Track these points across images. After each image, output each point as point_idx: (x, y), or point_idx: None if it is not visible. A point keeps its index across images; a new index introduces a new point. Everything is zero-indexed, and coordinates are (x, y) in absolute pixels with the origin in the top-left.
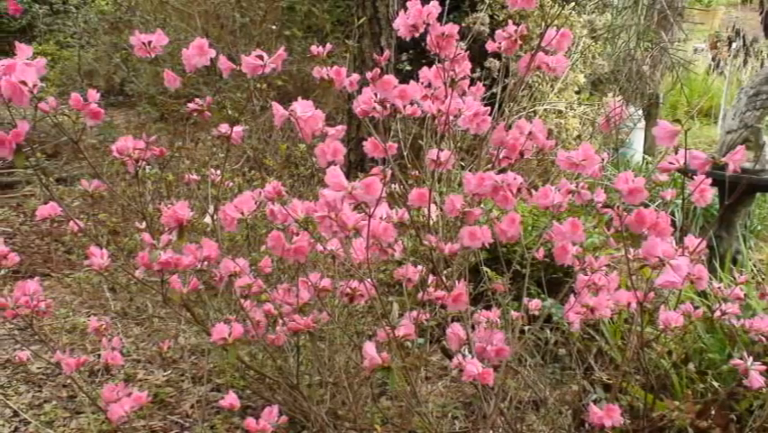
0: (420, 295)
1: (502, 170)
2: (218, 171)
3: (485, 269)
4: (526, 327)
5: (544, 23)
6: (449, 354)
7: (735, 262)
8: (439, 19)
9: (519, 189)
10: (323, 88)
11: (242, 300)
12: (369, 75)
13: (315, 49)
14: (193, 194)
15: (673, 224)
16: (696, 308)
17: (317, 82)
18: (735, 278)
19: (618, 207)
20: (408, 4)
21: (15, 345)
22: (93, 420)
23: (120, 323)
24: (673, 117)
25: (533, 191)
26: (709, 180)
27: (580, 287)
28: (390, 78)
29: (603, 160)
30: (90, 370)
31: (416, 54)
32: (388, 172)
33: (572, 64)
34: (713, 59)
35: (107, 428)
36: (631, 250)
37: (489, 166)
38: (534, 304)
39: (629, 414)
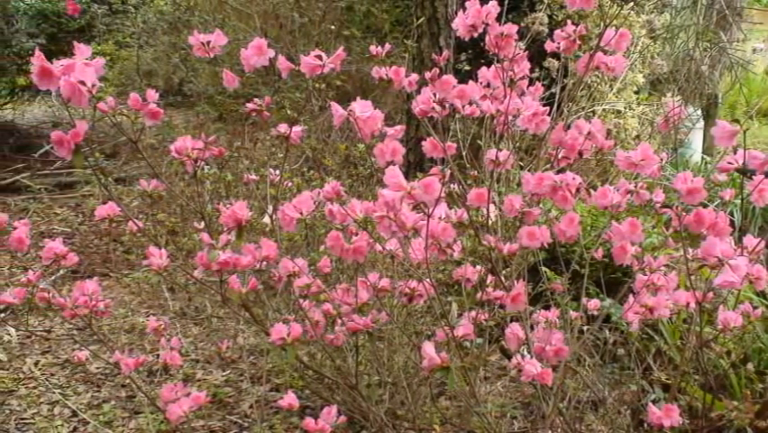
0: (479, 295)
1: (561, 170)
2: (277, 171)
3: (544, 269)
4: (585, 327)
5: (602, 23)
6: (508, 354)
7: None
8: (498, 19)
9: (578, 189)
10: (382, 88)
11: (301, 300)
12: (427, 75)
13: (373, 49)
14: (252, 194)
15: (732, 224)
16: (755, 308)
17: (376, 82)
18: None
19: (677, 207)
20: (467, 4)
21: (74, 345)
22: (151, 420)
23: (179, 323)
24: (732, 117)
25: (591, 191)
26: None
27: (639, 287)
28: (449, 78)
29: (662, 160)
30: (149, 370)
31: (474, 54)
32: (447, 172)
33: (631, 64)
34: None
35: (166, 428)
36: (690, 250)
37: (548, 166)
38: (593, 304)
39: (688, 414)
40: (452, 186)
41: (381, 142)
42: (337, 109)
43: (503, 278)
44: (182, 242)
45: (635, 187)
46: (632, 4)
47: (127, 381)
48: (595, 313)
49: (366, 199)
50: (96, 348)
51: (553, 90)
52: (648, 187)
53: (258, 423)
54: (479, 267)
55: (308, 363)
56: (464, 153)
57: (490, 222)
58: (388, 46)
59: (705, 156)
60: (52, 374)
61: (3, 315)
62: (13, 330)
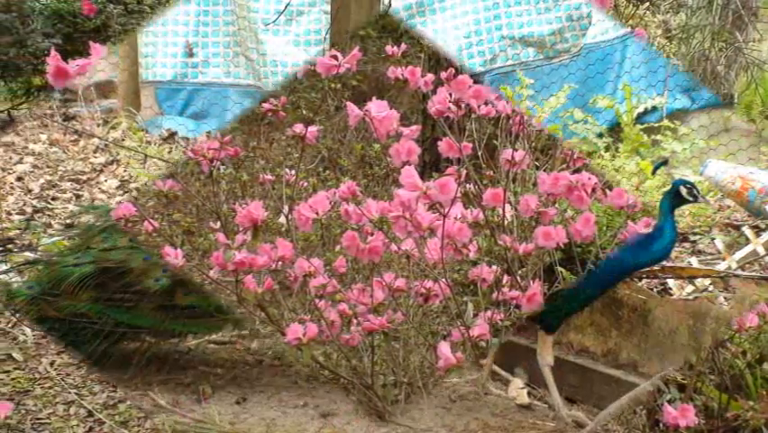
0: (495, 295)
1: (577, 170)
2: (293, 171)
3: (560, 269)
4: None
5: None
6: None
7: None
8: None
9: (594, 189)
10: (397, 88)
11: (317, 300)
12: (443, 75)
13: (389, 49)
14: (268, 194)
15: None
16: None
17: (392, 82)
18: None
19: None
20: None
21: None
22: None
23: None
24: (748, 117)
25: (607, 191)
26: None
27: None
28: (465, 78)
29: None
30: None
31: None
32: (463, 172)
33: None
34: None
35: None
36: None
37: (564, 166)
38: None
39: (704, 414)
40: (467, 186)
41: (397, 141)
42: (353, 109)
43: (519, 278)
44: (198, 242)
45: None
46: (648, 4)
47: None
48: None
49: (382, 199)
50: None
51: None
52: None
53: None
54: (494, 267)
55: (324, 362)
56: (480, 153)
57: (506, 222)
58: (404, 46)
59: None
60: (68, 374)
61: (19, 315)
62: (28, 330)
